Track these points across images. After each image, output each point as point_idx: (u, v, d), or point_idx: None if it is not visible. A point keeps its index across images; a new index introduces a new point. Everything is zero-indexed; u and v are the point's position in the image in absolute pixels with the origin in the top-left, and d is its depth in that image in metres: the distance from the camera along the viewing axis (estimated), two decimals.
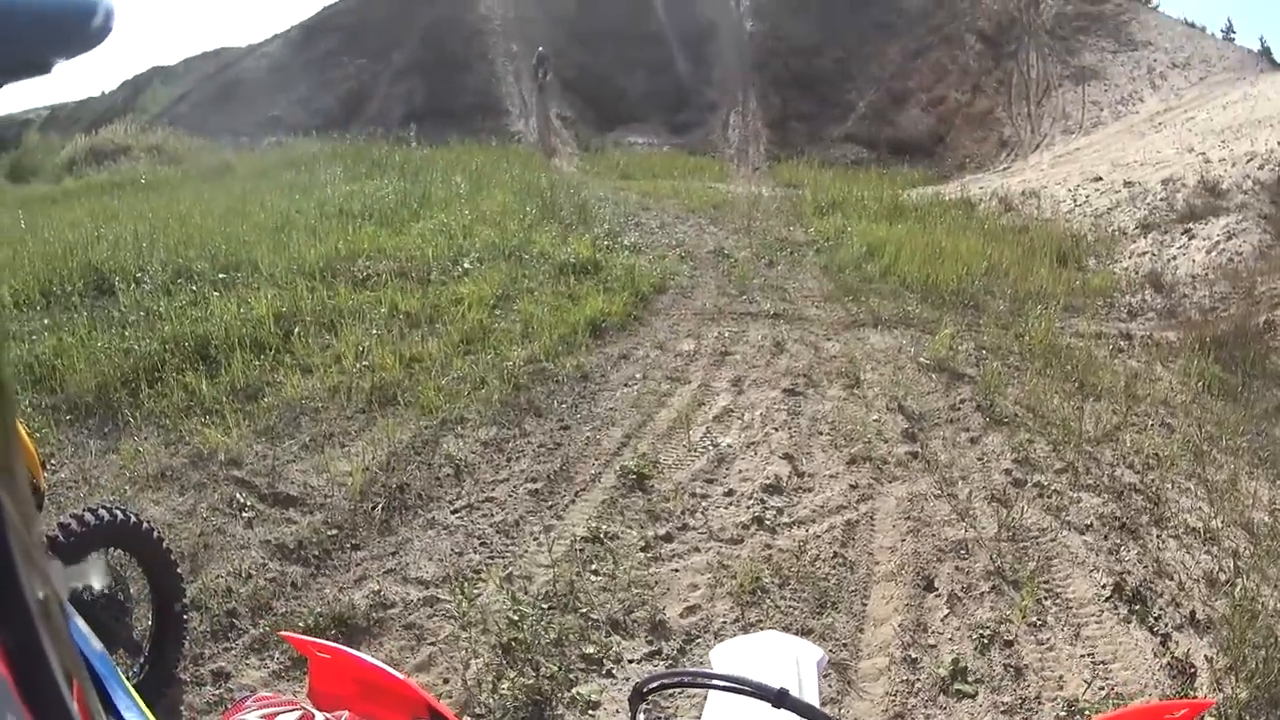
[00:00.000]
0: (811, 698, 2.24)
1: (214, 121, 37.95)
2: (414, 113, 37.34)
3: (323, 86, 41.27)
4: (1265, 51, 37.38)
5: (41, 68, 0.64)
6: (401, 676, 2.01)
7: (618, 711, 4.93)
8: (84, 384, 8.78)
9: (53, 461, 7.50)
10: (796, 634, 5.42)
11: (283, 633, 2.95)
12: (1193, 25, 39.55)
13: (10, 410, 0.71)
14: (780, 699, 1.82)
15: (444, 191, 20.04)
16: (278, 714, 1.73)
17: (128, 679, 4.40)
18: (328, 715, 1.77)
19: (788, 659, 2.52)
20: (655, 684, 2.11)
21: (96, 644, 1.13)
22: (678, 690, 4.83)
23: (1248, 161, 18.81)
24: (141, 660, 4.84)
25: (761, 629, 5.65)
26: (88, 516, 4.45)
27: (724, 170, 33.59)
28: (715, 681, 2.02)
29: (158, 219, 17.08)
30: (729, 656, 2.65)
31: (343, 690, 1.97)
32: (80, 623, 1.05)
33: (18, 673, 0.64)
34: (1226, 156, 19.85)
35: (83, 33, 0.65)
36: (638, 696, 2.10)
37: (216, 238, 14.47)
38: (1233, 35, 46.20)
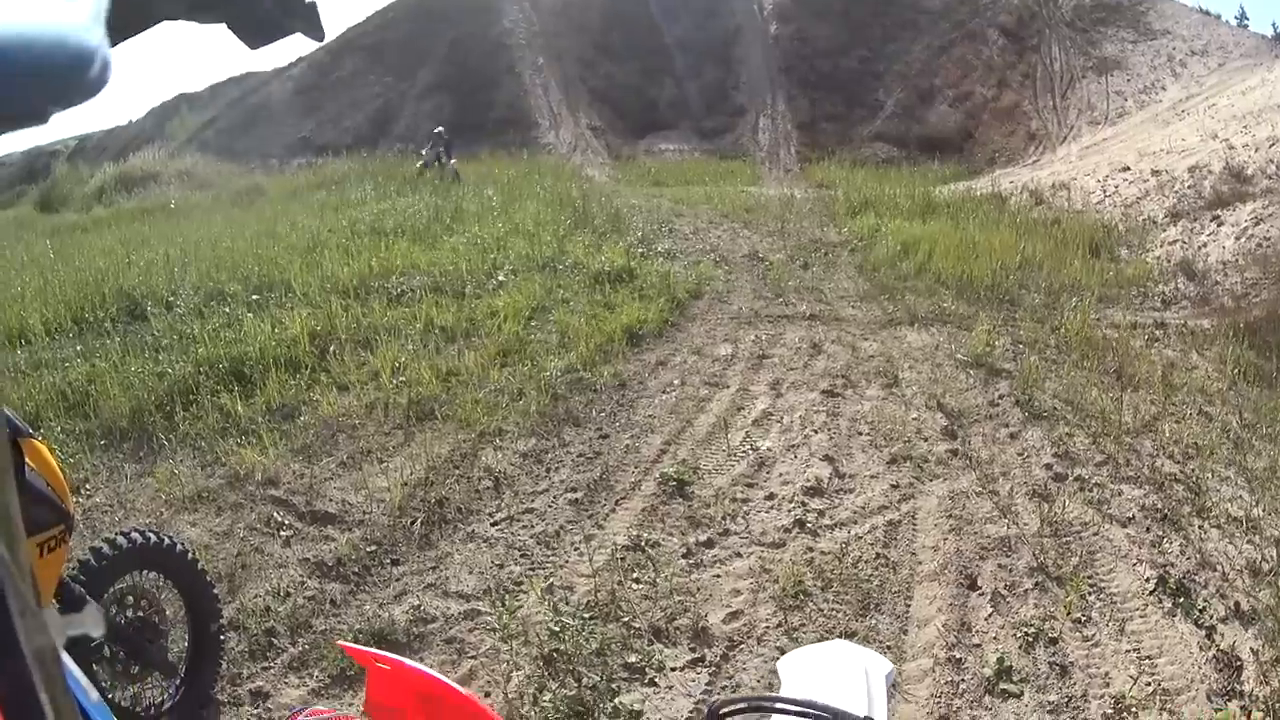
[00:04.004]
0: (881, 713, 2.21)
1: (242, 145, 38.25)
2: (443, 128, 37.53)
3: (350, 106, 41.54)
4: (1279, 37, 37.20)
5: (38, 117, 0.63)
6: (464, 691, 1.94)
7: None
8: (118, 409, 8.85)
9: (87, 487, 7.59)
10: (839, 638, 5.42)
11: (341, 642, 2.93)
12: (1207, 13, 39.42)
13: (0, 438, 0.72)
14: None
15: (476, 205, 20.15)
16: None
17: (164, 702, 4.46)
18: None
19: (857, 672, 2.47)
20: (732, 708, 2.07)
21: (93, 694, 1.13)
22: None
23: (1270, 146, 18.67)
24: (178, 682, 4.88)
25: (805, 633, 5.65)
26: (120, 540, 4.51)
27: (755, 174, 33.62)
28: (794, 707, 1.97)
29: (189, 243, 17.24)
30: (797, 668, 2.59)
31: (400, 703, 1.92)
32: (77, 672, 1.05)
33: None
34: (1250, 142, 19.72)
35: (79, 83, 0.64)
36: (714, 718, 2.06)
37: (248, 260, 14.56)
38: (1246, 22, 46.12)
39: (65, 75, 0.63)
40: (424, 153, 30.84)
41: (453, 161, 29.59)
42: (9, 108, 0.61)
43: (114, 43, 0.79)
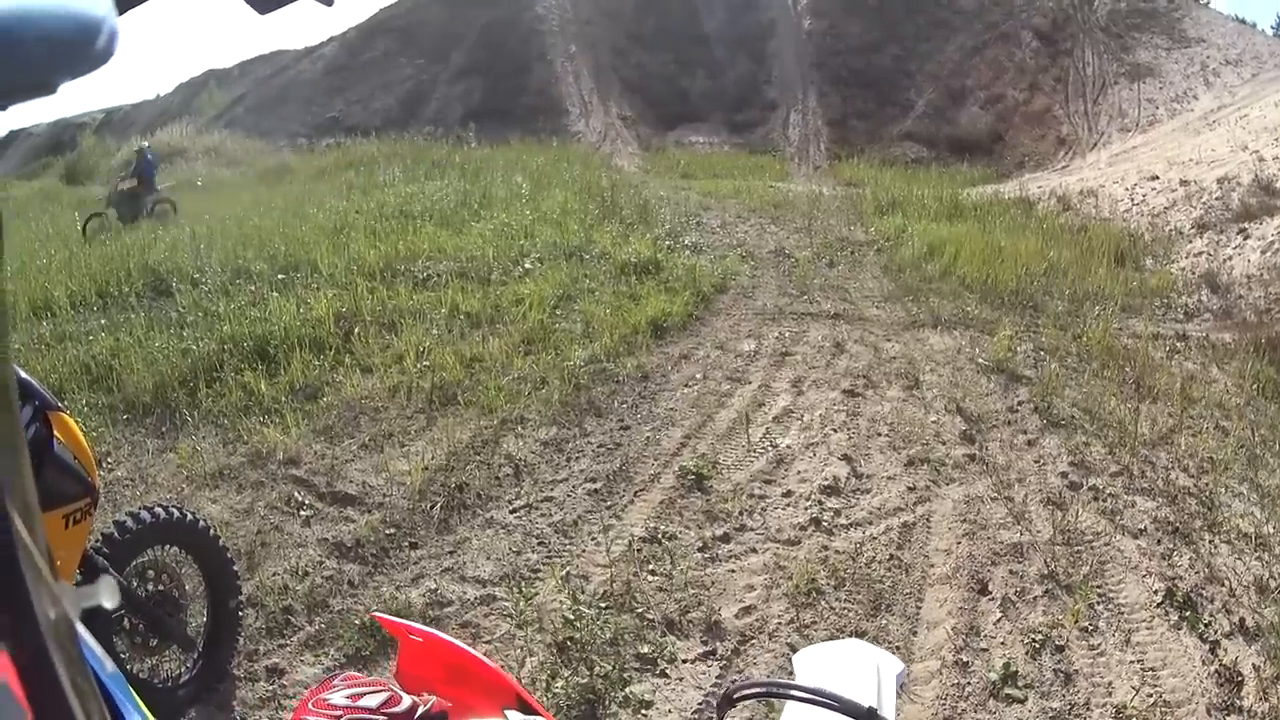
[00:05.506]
0: (889, 711, 2.26)
1: (271, 124, 38.30)
2: (473, 113, 37.50)
3: (381, 87, 41.54)
4: None
5: (46, 88, 0.66)
6: (493, 664, 2.03)
7: (670, 711, 4.99)
8: (141, 384, 8.94)
9: (109, 460, 7.67)
10: (851, 636, 5.49)
11: (375, 613, 2.99)
12: (1243, 22, 39.16)
13: (13, 417, 0.76)
14: (870, 718, 1.85)
15: (504, 191, 20.12)
16: (364, 694, 1.77)
17: (180, 675, 4.54)
18: (414, 697, 1.79)
19: (869, 670, 2.52)
20: (746, 692, 2.13)
21: (110, 665, 1.18)
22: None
23: None
24: (195, 656, 4.95)
25: (816, 631, 5.72)
26: (143, 514, 4.58)
27: (785, 169, 33.56)
28: (805, 695, 2.02)
29: (215, 220, 17.34)
30: (811, 663, 2.63)
31: (431, 674, 1.98)
32: (93, 643, 1.10)
33: (31, 694, 0.65)
34: None
35: (86, 54, 0.67)
36: (727, 702, 2.11)
37: (275, 239, 14.65)
38: None
39: (72, 45, 0.67)
40: (115, 184, 23.45)
41: (162, 189, 23.69)
42: (17, 79, 0.66)
43: (121, 12, 0.83)
